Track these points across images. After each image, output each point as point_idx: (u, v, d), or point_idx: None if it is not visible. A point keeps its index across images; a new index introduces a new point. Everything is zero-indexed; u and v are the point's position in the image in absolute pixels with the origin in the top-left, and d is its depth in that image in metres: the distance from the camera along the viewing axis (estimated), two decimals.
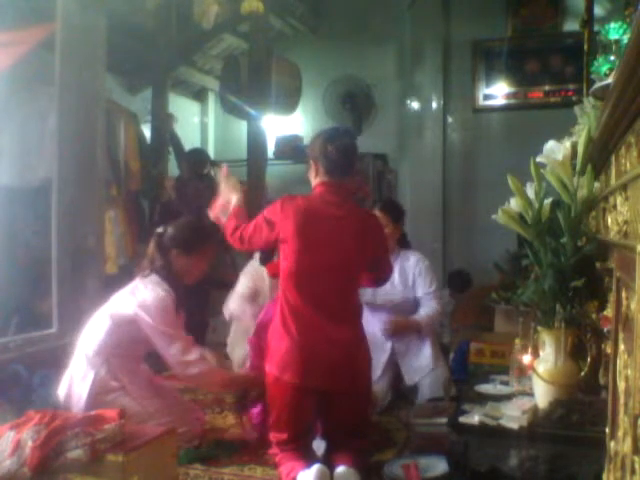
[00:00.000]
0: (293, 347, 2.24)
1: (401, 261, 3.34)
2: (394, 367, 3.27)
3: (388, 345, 3.25)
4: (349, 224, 2.34)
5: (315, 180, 2.38)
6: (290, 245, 2.29)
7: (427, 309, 3.28)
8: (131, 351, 2.58)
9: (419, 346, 3.27)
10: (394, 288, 3.25)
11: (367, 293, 3.14)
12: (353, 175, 2.48)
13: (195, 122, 6.35)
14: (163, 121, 4.92)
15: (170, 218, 4.51)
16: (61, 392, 2.55)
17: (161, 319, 2.47)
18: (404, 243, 3.53)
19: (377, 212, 3.25)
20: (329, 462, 2.21)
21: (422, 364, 3.23)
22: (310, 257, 2.28)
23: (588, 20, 3.05)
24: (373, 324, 3.07)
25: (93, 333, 2.58)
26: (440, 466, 2.20)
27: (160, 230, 2.65)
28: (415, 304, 3.34)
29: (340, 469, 2.15)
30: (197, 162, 4.86)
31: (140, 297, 2.51)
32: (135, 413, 2.41)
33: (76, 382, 2.53)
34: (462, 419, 2.05)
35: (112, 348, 2.55)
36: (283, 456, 2.27)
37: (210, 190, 5.20)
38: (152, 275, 2.58)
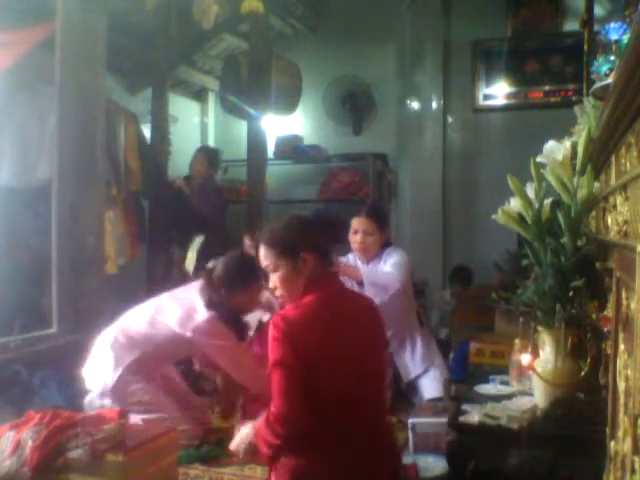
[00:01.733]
0: None
1: (385, 257, 3.28)
2: (393, 366, 3.27)
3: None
4: (362, 317, 1.97)
5: (300, 278, 1.83)
6: (315, 367, 1.73)
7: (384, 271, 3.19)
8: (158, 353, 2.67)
9: (413, 342, 3.31)
10: None
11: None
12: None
13: (195, 122, 6.34)
14: (163, 121, 4.92)
15: (202, 221, 4.54)
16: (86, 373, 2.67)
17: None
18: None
19: (364, 218, 3.20)
20: None
21: (417, 361, 3.26)
22: (344, 373, 1.78)
23: (588, 20, 3.03)
24: None
25: (132, 323, 2.71)
26: (440, 466, 2.20)
27: (210, 266, 2.75)
28: (405, 301, 3.28)
29: None
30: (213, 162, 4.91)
31: (202, 328, 2.62)
32: None
33: (102, 368, 2.63)
34: (462, 419, 2.05)
35: (144, 345, 2.67)
36: None
37: (220, 190, 5.22)
38: (212, 310, 2.66)
